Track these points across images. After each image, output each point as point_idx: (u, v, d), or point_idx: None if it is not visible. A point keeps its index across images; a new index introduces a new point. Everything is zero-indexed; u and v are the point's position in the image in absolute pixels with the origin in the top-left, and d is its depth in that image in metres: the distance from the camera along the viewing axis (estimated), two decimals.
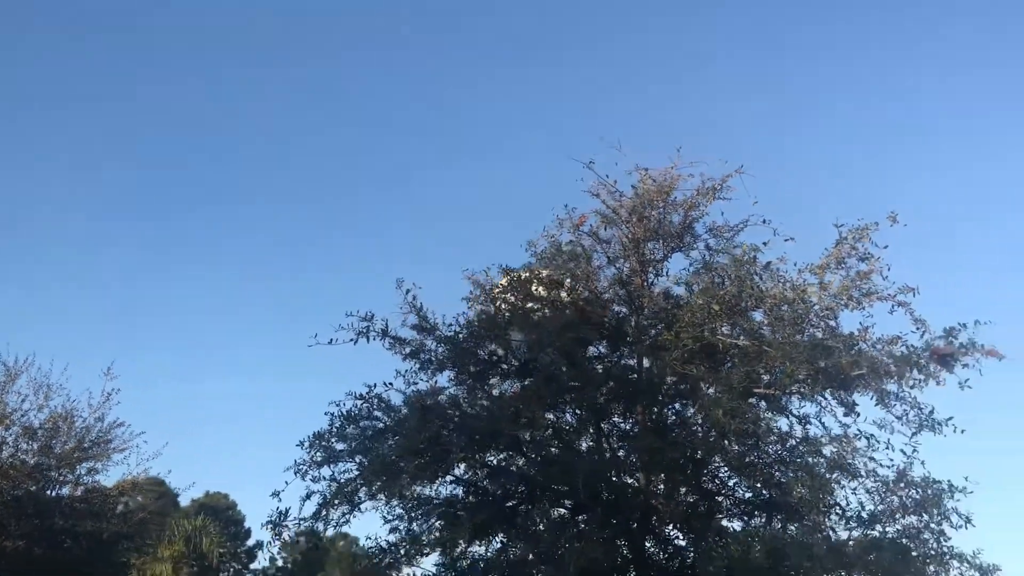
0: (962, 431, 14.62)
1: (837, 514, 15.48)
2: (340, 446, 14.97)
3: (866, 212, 16.10)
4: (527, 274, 16.23)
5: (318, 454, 14.81)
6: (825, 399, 14.88)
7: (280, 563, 48.53)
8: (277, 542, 16.12)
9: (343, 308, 15.86)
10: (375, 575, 15.55)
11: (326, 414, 15.55)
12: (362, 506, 14.98)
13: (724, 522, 16.15)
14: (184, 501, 48.62)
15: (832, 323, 15.35)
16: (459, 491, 15.44)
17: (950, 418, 14.58)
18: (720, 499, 16.29)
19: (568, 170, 16.34)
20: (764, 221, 15.44)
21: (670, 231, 15.94)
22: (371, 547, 15.10)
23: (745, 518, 16.06)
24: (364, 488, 14.65)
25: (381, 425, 15.35)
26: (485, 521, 14.45)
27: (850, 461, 14.47)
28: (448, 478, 15.33)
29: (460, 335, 15.64)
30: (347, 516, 14.92)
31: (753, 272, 14.49)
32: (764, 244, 14.70)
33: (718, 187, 15.57)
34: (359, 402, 15.52)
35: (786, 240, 15.34)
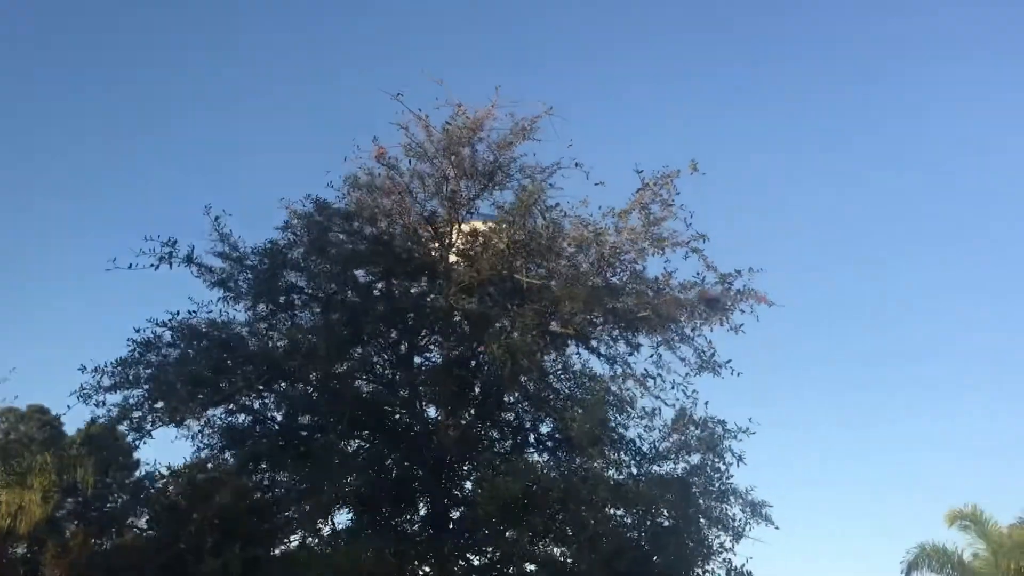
0: (739, 374, 15.26)
1: (633, 451, 16.09)
2: (131, 372, 14.85)
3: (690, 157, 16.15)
4: (340, 206, 16.13)
5: (105, 379, 14.67)
6: (613, 340, 15.28)
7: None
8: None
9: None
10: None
11: (128, 340, 15.42)
12: (153, 432, 14.96)
13: (535, 456, 16.62)
14: (71, 431, 47.97)
15: (638, 267, 15.73)
16: (247, 420, 15.49)
17: (728, 361, 15.19)
18: (528, 433, 16.72)
19: (389, 104, 16.12)
20: (576, 164, 15.49)
21: (481, 170, 15.93)
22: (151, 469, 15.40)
23: (548, 453, 16.52)
24: (150, 415, 14.62)
25: (179, 353, 15.26)
26: (268, 449, 14.56)
27: (632, 399, 14.96)
28: (235, 407, 15.36)
29: (262, 265, 15.52)
30: (137, 442, 14.92)
31: (540, 213, 14.60)
32: (552, 186, 14.80)
33: (528, 128, 15.54)
34: (160, 329, 15.41)
35: (596, 184, 15.49)
